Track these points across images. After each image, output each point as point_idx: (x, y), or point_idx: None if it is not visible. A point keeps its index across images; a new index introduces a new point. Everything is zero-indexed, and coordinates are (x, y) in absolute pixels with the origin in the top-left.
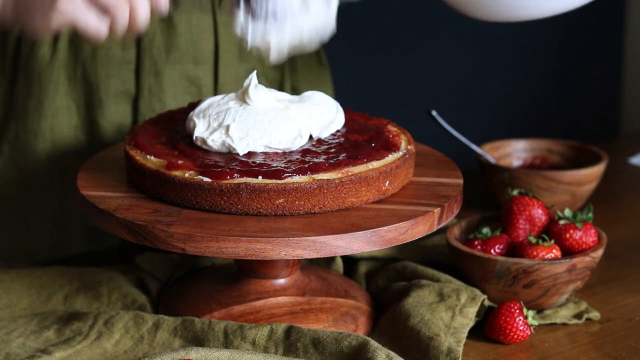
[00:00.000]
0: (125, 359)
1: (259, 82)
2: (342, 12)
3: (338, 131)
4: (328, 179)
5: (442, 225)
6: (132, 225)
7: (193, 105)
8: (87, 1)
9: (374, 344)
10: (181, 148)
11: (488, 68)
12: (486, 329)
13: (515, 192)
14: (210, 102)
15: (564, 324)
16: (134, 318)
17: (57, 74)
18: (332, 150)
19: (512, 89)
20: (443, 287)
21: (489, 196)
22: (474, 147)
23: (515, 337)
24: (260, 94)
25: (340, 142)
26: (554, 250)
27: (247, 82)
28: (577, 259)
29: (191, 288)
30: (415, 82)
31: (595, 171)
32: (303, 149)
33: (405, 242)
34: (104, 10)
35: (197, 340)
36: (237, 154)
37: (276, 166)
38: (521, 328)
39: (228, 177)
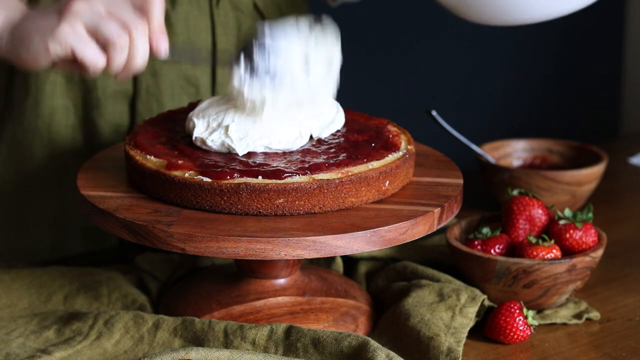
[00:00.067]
0: (125, 359)
1: None
2: (342, 12)
3: (338, 131)
4: (328, 179)
5: (442, 225)
6: (132, 225)
7: (193, 105)
8: (88, 31)
9: (374, 344)
10: (181, 148)
11: (488, 68)
12: (486, 329)
13: (515, 192)
14: (210, 102)
15: (564, 324)
16: (134, 318)
17: (54, 74)
18: (332, 150)
19: (512, 89)
20: (443, 287)
21: (489, 196)
22: (474, 147)
23: (515, 337)
24: None
25: (340, 142)
26: (554, 250)
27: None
28: (577, 259)
29: (191, 288)
30: (415, 82)
31: (595, 171)
32: (303, 149)
33: (405, 242)
34: (104, 43)
35: (197, 340)
36: (237, 154)
37: (276, 166)
38: (521, 328)
39: (228, 177)
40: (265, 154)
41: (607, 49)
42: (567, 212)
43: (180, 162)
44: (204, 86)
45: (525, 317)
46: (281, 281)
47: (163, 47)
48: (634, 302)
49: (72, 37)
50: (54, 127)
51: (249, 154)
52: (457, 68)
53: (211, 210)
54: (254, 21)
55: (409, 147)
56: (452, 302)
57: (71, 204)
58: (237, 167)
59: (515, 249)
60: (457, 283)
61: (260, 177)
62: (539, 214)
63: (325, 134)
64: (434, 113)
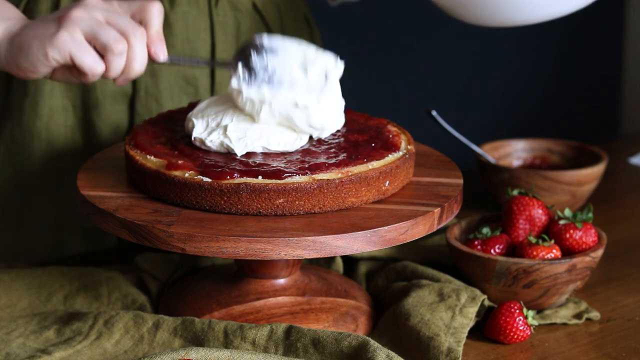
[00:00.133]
0: (125, 359)
1: None
2: (343, 12)
3: (338, 131)
4: (328, 179)
5: (442, 225)
6: (132, 225)
7: (193, 105)
8: (87, 38)
9: (374, 344)
10: (181, 148)
11: (488, 68)
12: (486, 329)
13: (515, 192)
14: (209, 102)
15: (564, 324)
16: (134, 318)
17: None
18: (332, 150)
19: (512, 89)
20: (443, 287)
21: (489, 196)
22: (474, 147)
23: (515, 337)
24: None
25: (340, 142)
26: (554, 250)
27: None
28: (577, 259)
29: (191, 288)
30: (415, 82)
31: (595, 171)
32: (303, 149)
33: (405, 242)
34: (102, 49)
35: (197, 340)
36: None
37: (276, 166)
38: (521, 328)
39: (228, 177)
40: (265, 153)
41: (607, 49)
42: (567, 212)
43: (180, 162)
44: (203, 86)
45: (525, 317)
46: (281, 281)
47: (161, 53)
48: (634, 302)
49: (71, 44)
50: (52, 128)
51: (249, 154)
52: (457, 68)
53: (211, 210)
54: (253, 21)
55: (409, 147)
56: (452, 302)
57: (71, 204)
58: (237, 167)
59: (515, 249)
60: (457, 283)
61: (260, 177)
62: (539, 214)
63: (325, 134)
64: (434, 113)
